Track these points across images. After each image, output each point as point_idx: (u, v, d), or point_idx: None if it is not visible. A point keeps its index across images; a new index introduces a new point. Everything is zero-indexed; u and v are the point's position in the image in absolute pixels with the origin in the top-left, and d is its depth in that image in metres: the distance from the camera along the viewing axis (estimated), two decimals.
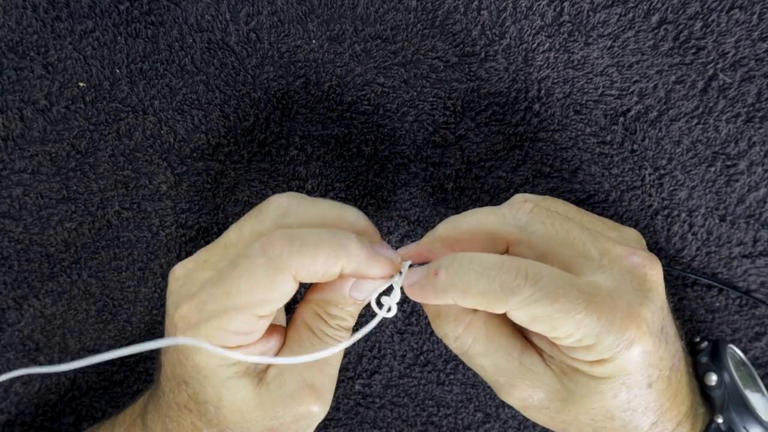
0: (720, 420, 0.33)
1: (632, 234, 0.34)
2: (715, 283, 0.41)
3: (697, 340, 0.37)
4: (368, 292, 0.32)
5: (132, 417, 0.38)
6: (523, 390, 0.31)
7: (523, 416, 0.45)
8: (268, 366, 0.32)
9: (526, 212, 0.31)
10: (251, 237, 0.31)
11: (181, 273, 0.32)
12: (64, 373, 0.45)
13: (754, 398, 0.34)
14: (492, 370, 0.32)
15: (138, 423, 0.36)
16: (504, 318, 0.32)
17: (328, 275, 0.30)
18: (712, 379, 0.34)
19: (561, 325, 0.28)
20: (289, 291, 0.30)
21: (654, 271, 0.31)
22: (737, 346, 0.43)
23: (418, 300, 0.31)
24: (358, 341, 0.44)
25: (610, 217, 0.42)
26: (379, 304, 0.32)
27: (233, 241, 0.32)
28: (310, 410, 0.31)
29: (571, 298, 0.28)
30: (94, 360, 0.27)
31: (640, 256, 0.31)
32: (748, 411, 0.33)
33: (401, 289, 0.32)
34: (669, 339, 0.31)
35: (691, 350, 0.37)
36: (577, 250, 0.30)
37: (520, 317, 0.29)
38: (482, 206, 0.41)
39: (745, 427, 0.33)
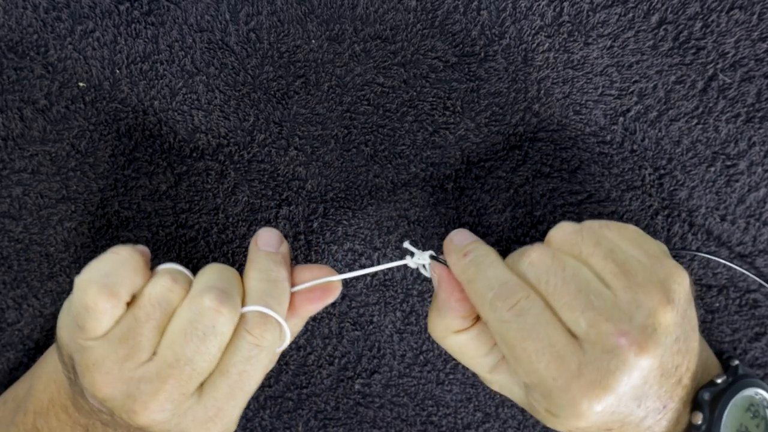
0: None
1: (665, 267, 0.31)
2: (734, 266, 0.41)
3: (720, 374, 0.34)
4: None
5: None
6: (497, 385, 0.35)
7: (523, 416, 0.45)
8: None
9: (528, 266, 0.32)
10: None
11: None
12: None
13: None
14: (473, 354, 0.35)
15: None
16: None
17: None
18: (698, 417, 0.33)
19: (520, 362, 0.30)
20: None
21: (634, 351, 0.29)
22: (737, 346, 0.42)
23: (440, 274, 0.35)
24: (358, 341, 0.44)
25: (610, 217, 0.41)
26: None
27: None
28: None
29: (539, 347, 0.30)
30: None
31: (629, 339, 0.29)
32: None
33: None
34: (644, 405, 0.31)
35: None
36: (565, 317, 0.30)
37: (493, 330, 0.32)
38: (481, 206, 0.42)
39: None
